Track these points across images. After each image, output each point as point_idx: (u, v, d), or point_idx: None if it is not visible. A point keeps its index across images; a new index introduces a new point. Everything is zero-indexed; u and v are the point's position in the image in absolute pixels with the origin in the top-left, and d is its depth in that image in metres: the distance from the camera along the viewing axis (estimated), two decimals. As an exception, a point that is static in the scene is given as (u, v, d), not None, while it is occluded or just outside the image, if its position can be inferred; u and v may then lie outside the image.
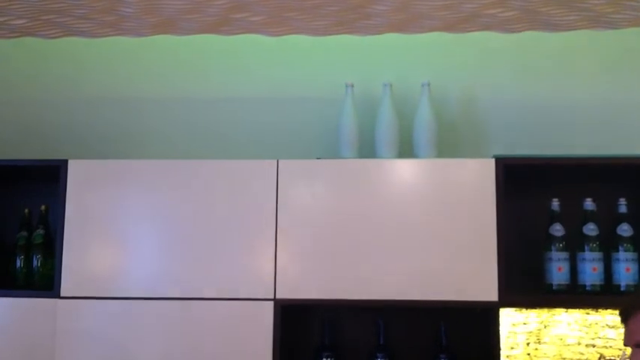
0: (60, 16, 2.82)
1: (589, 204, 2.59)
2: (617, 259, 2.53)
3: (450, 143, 2.83)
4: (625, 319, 1.63)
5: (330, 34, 2.96)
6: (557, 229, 2.58)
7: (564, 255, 2.56)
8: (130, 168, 2.60)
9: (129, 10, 2.75)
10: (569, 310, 2.63)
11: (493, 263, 2.45)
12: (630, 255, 2.52)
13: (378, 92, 2.79)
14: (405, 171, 2.55)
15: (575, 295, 2.51)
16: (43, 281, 2.66)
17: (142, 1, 2.66)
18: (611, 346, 2.61)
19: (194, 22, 2.86)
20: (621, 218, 2.57)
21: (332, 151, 2.78)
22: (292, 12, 2.75)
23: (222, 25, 2.89)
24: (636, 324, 1.59)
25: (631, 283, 2.48)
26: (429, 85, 2.73)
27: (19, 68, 3.06)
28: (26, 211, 2.78)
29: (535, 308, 2.57)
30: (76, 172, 2.60)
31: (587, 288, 2.51)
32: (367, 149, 2.75)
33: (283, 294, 2.49)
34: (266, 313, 2.47)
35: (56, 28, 2.95)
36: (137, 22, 2.87)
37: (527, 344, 2.56)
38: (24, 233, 2.74)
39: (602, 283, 2.51)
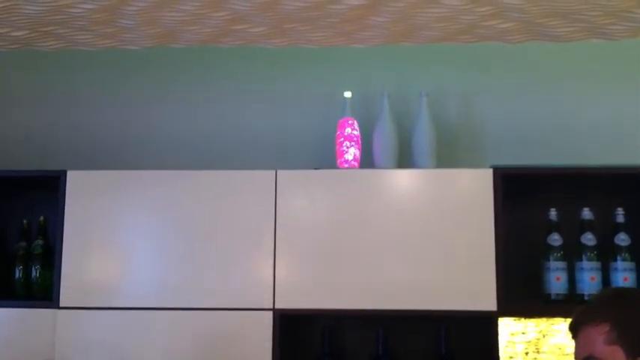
0: (60, 28, 2.84)
1: (587, 213, 2.60)
2: (615, 269, 2.54)
3: (448, 153, 2.84)
4: (574, 334, 1.64)
5: (329, 46, 2.98)
6: (555, 239, 2.59)
7: (562, 264, 2.57)
8: (129, 178, 2.60)
9: (129, 22, 2.77)
10: (568, 320, 2.63)
11: (492, 273, 2.46)
12: (628, 264, 2.53)
13: (377, 103, 2.81)
14: (403, 181, 2.56)
15: (573, 305, 2.49)
16: (43, 291, 2.66)
17: (142, 13, 2.68)
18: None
19: (194, 33, 2.88)
20: (619, 228, 2.57)
21: (330, 161, 2.78)
22: (292, 23, 2.77)
23: (222, 36, 2.91)
24: (584, 339, 1.60)
25: (629, 292, 2.48)
26: (427, 95, 2.74)
27: (17, 79, 3.07)
28: (25, 221, 2.79)
29: (534, 318, 2.57)
30: (74, 183, 2.60)
31: (586, 297, 2.51)
32: (366, 159, 2.76)
33: (282, 304, 2.49)
34: (265, 323, 2.47)
35: (56, 40, 2.96)
36: (137, 33, 2.88)
37: (526, 354, 2.56)
38: (23, 244, 2.74)
39: (601, 292, 2.51)
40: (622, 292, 1.82)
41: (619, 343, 1.55)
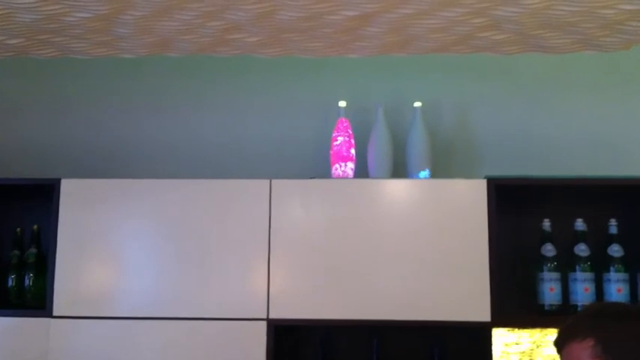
0: (55, 36, 2.84)
1: (580, 224, 2.61)
2: (609, 280, 2.55)
3: (442, 164, 2.85)
4: (559, 349, 1.66)
5: (324, 56, 2.99)
6: (549, 250, 2.59)
7: (556, 275, 2.57)
8: (123, 187, 2.60)
9: (125, 31, 2.77)
10: (561, 331, 2.63)
11: (485, 283, 2.46)
12: (621, 275, 2.54)
13: (372, 112, 2.82)
14: (398, 191, 2.56)
15: (567, 316, 2.49)
16: (36, 300, 2.65)
17: (138, 21, 2.68)
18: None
19: (190, 42, 2.88)
20: (612, 239, 2.59)
21: (325, 171, 2.79)
22: (288, 33, 2.77)
23: (218, 45, 2.91)
24: (569, 355, 1.62)
25: (623, 303, 2.49)
26: (421, 106, 2.75)
27: (12, 86, 3.07)
28: (19, 229, 2.78)
29: (527, 328, 2.57)
30: (68, 191, 2.60)
31: (579, 308, 2.52)
32: (361, 169, 2.76)
33: (276, 314, 2.48)
34: (259, 333, 2.47)
35: (51, 48, 2.96)
36: (133, 41, 2.88)
37: (520, 364, 2.57)
38: (16, 252, 2.73)
39: (594, 303, 2.52)
40: (604, 306, 1.86)
41: (604, 357, 1.57)
